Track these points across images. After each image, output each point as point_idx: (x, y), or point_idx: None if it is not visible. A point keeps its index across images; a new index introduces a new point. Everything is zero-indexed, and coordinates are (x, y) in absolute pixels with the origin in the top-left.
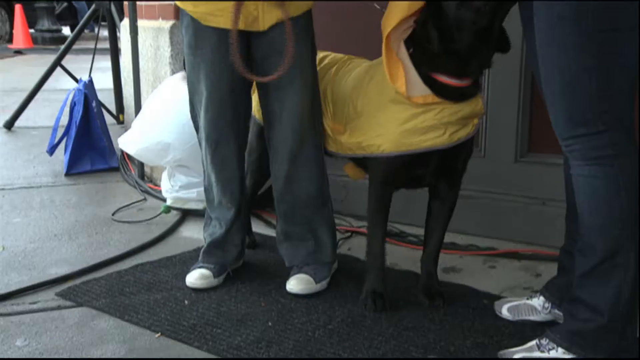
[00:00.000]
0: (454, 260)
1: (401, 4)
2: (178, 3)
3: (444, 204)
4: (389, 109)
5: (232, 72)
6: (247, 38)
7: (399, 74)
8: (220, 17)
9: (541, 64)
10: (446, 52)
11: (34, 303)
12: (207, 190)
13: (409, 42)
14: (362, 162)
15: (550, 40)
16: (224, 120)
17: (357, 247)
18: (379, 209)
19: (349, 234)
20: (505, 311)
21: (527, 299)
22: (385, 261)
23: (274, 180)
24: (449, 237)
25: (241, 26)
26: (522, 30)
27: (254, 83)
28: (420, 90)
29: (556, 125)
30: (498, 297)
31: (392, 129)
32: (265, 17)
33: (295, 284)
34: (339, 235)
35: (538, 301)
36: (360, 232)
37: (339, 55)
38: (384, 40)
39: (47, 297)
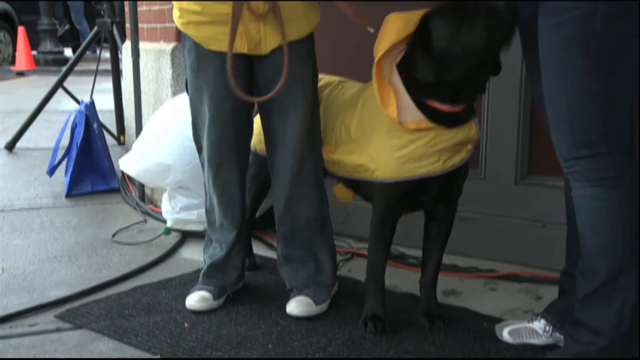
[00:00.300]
0: (455, 283)
1: (391, 29)
2: (180, 26)
3: (441, 227)
4: (383, 135)
5: (234, 95)
6: (250, 62)
7: (391, 100)
8: (222, 40)
9: (545, 86)
10: (437, 80)
11: (33, 325)
12: (209, 212)
13: (402, 66)
14: (355, 185)
15: (557, 63)
16: (226, 144)
17: (357, 269)
18: (381, 236)
19: (349, 255)
20: (506, 334)
21: (528, 322)
22: (385, 283)
23: (275, 202)
24: (449, 259)
25: (244, 50)
26: (522, 52)
27: (256, 106)
28: (413, 115)
29: (558, 146)
30: (499, 320)
31: (386, 155)
32: (268, 41)
33: (295, 307)
34: (339, 257)
35: (539, 324)
36: (360, 254)
37: (333, 78)
38: (374, 65)
39: (46, 320)
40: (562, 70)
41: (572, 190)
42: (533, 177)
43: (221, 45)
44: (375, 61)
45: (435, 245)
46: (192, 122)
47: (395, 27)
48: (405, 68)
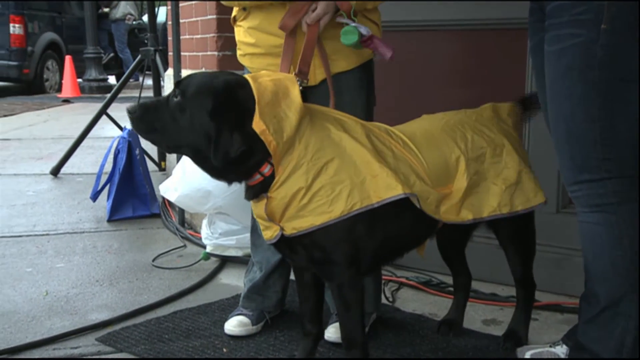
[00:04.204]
0: (495, 312)
1: None
2: (239, 58)
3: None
4: None
5: None
6: (304, 92)
7: None
8: (273, 72)
9: (549, 111)
10: None
11: (75, 348)
12: (254, 233)
13: None
14: None
15: (558, 89)
16: None
17: (399, 298)
18: None
19: (397, 285)
20: (528, 357)
21: (550, 346)
22: (424, 312)
23: None
24: (488, 288)
25: None
26: (535, 81)
27: None
28: None
29: (562, 170)
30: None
31: None
32: (317, 72)
33: (333, 332)
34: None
35: (561, 349)
36: (399, 282)
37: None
38: None
39: (88, 343)
40: (563, 97)
41: (577, 216)
42: (575, 206)
43: None
44: None
45: None
46: None
47: None
48: None
